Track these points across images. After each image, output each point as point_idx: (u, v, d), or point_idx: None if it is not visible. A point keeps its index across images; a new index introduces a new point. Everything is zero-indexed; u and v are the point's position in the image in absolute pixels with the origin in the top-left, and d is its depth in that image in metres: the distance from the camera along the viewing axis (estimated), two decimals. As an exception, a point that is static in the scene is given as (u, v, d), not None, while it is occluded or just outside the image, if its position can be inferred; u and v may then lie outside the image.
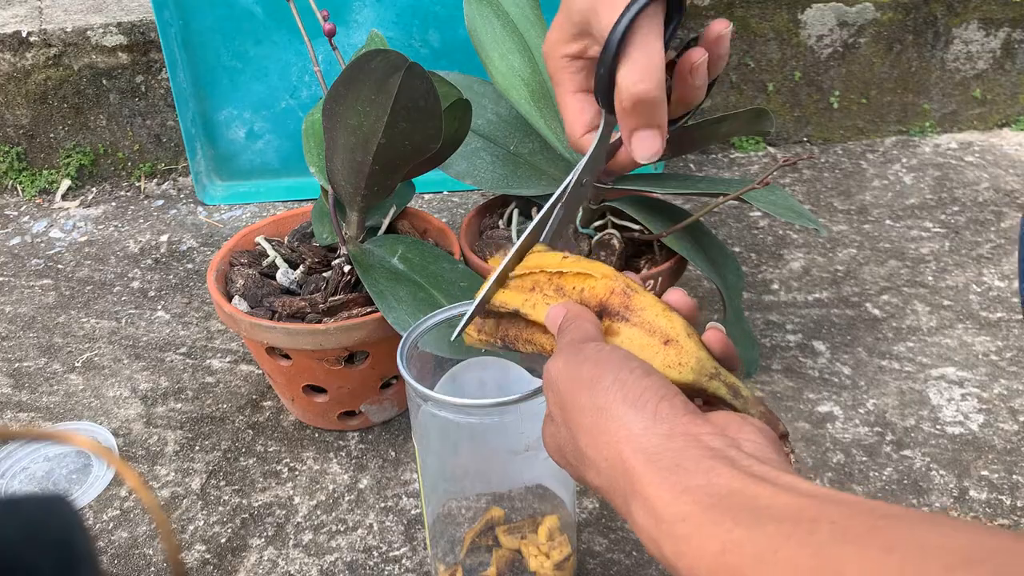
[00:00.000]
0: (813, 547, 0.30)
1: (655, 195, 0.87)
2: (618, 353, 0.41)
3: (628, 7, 0.45)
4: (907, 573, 0.27)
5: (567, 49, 0.50)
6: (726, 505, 0.33)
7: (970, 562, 0.26)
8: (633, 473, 0.36)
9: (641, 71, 0.46)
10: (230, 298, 0.83)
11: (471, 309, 0.52)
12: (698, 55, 0.48)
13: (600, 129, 0.50)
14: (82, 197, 1.33)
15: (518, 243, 0.52)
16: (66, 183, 1.34)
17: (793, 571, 0.30)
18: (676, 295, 0.47)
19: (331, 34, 0.79)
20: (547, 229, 0.53)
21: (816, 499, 0.32)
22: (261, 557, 0.75)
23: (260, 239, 0.89)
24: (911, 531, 0.29)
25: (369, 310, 0.79)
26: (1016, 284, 1.06)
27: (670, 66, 0.50)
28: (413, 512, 0.78)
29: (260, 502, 0.80)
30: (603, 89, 0.48)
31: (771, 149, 1.41)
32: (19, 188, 1.34)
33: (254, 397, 0.92)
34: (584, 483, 0.41)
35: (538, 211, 0.90)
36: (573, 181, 0.51)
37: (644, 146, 0.48)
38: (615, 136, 0.52)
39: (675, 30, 0.48)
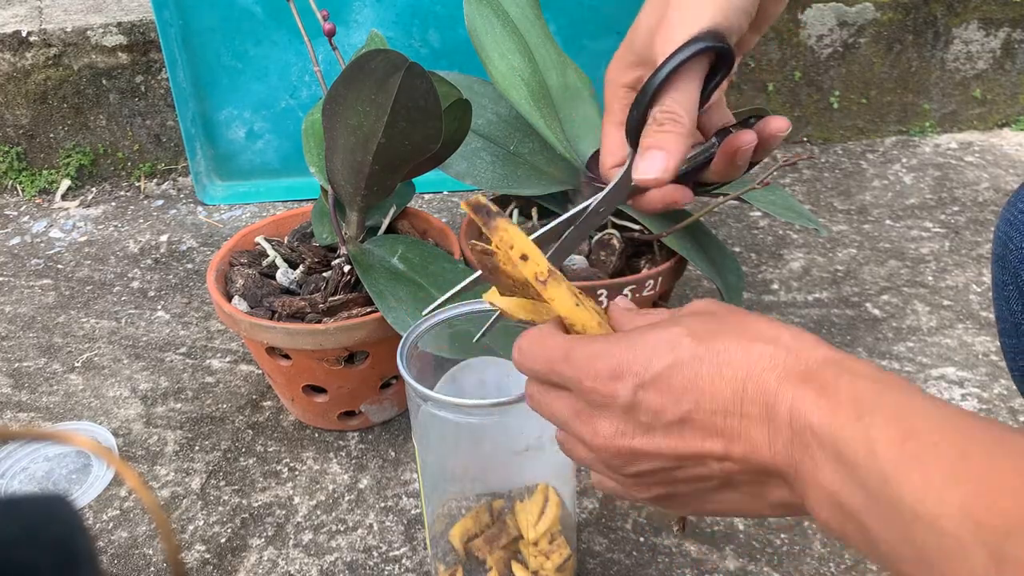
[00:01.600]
0: (995, 432, 0.32)
1: (655, 195, 0.87)
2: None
3: (673, 55, 0.45)
4: None
5: (624, 78, 0.51)
6: (899, 387, 0.34)
7: None
8: (804, 361, 0.36)
9: (672, 103, 0.46)
10: (230, 298, 0.83)
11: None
12: (747, 139, 0.48)
13: (627, 165, 0.50)
14: (82, 197, 1.33)
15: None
16: (66, 183, 1.34)
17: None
18: (623, 303, 0.47)
19: (331, 34, 0.79)
20: (555, 247, 0.52)
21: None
22: (261, 557, 0.75)
23: (260, 239, 0.89)
24: None
25: (369, 310, 0.79)
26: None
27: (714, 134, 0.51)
28: (413, 512, 0.78)
29: (260, 502, 0.80)
30: (633, 128, 0.48)
31: (771, 149, 1.41)
32: (19, 188, 1.34)
33: (254, 397, 0.92)
34: (665, 453, 0.38)
35: (538, 213, 0.91)
36: (592, 208, 0.51)
37: (646, 163, 0.46)
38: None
39: (719, 82, 0.48)
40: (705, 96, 0.48)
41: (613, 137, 0.52)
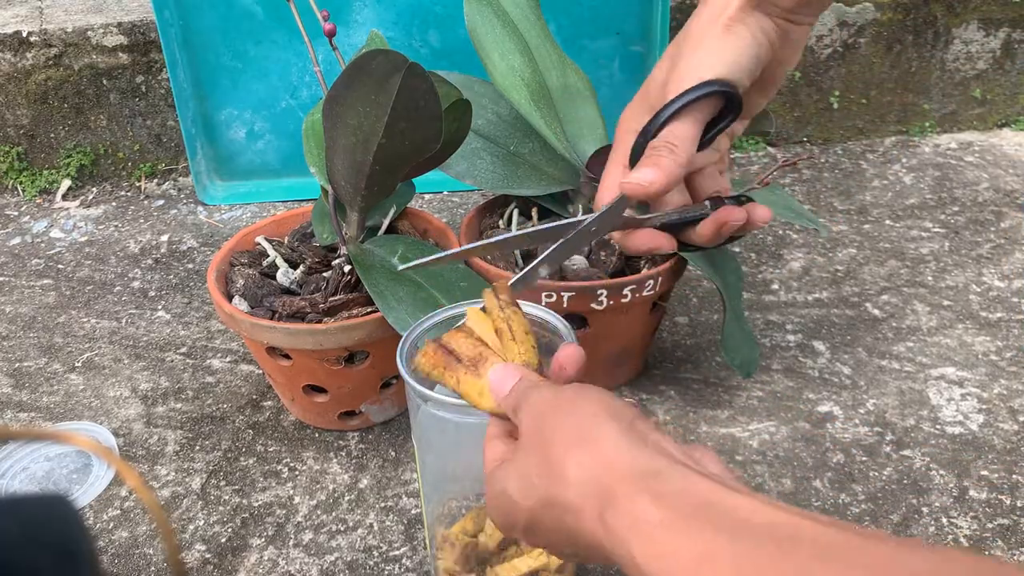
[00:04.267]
0: (795, 563, 0.30)
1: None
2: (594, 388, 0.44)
3: (680, 95, 0.48)
4: None
5: (634, 123, 0.53)
6: (705, 514, 0.33)
7: None
8: (612, 476, 0.37)
9: (669, 134, 0.49)
10: (230, 298, 0.83)
11: (442, 255, 0.54)
12: (739, 215, 0.51)
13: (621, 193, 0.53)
14: (82, 197, 1.33)
15: (502, 237, 0.53)
16: (66, 183, 1.34)
17: None
18: (569, 350, 0.47)
19: (331, 34, 0.79)
20: (547, 255, 0.54)
21: (794, 515, 0.32)
22: (261, 557, 0.75)
23: (260, 239, 0.89)
24: (893, 553, 0.29)
25: (369, 310, 0.79)
26: (1016, 284, 1.06)
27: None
28: (413, 512, 0.78)
29: (260, 502, 0.80)
30: (637, 157, 0.50)
31: (771, 149, 1.41)
32: (19, 188, 1.34)
33: (254, 397, 0.92)
34: (534, 516, 0.41)
35: (538, 213, 0.91)
36: (585, 223, 0.53)
37: (636, 174, 0.49)
38: (635, 214, 0.53)
39: (725, 127, 0.51)
40: (709, 139, 0.51)
41: (615, 173, 0.54)
